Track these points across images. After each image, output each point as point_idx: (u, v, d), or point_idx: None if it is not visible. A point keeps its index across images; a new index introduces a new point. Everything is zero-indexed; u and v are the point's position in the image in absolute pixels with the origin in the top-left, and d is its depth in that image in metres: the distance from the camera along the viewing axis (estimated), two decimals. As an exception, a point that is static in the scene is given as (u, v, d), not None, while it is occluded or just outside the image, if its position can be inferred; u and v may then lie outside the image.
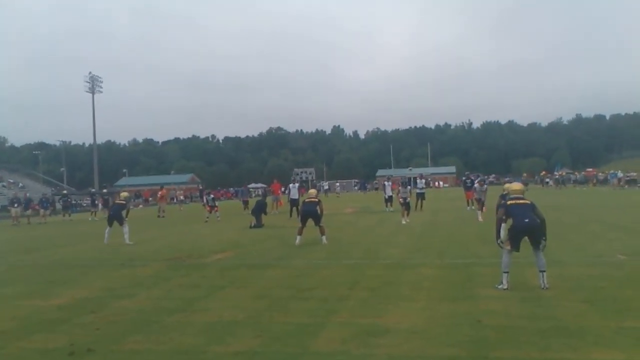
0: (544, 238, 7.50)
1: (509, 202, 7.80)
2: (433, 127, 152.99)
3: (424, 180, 28.93)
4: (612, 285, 7.57)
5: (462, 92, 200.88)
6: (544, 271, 7.43)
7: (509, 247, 7.56)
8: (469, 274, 8.78)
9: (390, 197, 26.67)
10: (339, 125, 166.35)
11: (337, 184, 71.34)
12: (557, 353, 4.77)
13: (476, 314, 6.18)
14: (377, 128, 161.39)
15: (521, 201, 7.77)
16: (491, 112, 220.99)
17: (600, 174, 67.14)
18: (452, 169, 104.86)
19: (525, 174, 77.57)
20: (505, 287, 7.42)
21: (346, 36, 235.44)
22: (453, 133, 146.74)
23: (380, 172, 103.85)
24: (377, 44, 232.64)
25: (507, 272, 7.51)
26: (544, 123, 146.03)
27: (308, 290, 7.96)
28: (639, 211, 20.83)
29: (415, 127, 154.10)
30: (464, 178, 29.84)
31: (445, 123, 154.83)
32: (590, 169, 78.95)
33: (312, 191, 15.27)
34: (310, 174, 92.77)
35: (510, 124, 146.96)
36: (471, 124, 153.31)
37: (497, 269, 7.78)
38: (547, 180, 61.77)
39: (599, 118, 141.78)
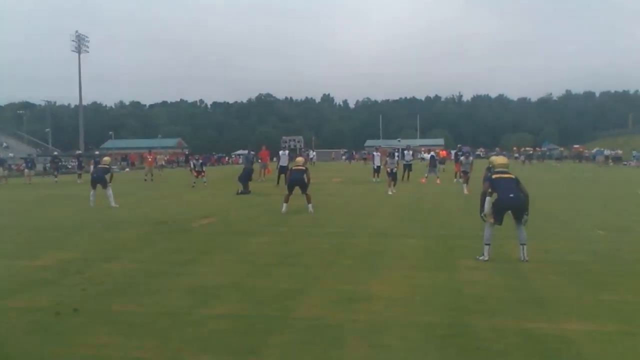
0: (526, 213, 7.61)
1: (493, 176, 7.83)
2: (423, 98, 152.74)
3: (411, 152, 29.03)
4: (590, 259, 7.76)
5: (453, 64, 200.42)
6: (525, 244, 7.58)
7: (492, 220, 7.65)
8: (452, 245, 8.93)
9: (379, 167, 26.79)
10: (329, 94, 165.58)
11: (313, 152, 69.21)
12: (532, 322, 4.91)
13: (457, 284, 6.33)
14: (367, 98, 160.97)
15: (506, 175, 7.82)
16: (482, 85, 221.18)
17: (586, 151, 67.80)
18: (441, 141, 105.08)
19: (497, 149, 77.92)
20: (486, 258, 7.57)
21: (338, 4, 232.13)
22: (443, 105, 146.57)
23: (369, 143, 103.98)
24: (369, 13, 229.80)
25: (489, 245, 7.64)
26: (534, 98, 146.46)
27: (293, 257, 8.07)
28: (621, 189, 21.15)
29: (406, 98, 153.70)
30: (455, 150, 30.06)
31: (436, 95, 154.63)
32: (577, 146, 79.63)
33: (300, 159, 15.28)
34: (298, 142, 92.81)
35: (500, 98, 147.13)
36: (461, 96, 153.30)
37: (480, 241, 7.92)
38: (517, 155, 62.06)
39: (589, 95, 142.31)
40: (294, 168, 14.29)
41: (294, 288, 6.23)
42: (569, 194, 18.97)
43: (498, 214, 7.62)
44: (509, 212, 7.69)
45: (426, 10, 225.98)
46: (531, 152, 64.75)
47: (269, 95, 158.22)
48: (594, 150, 62.51)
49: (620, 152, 57.79)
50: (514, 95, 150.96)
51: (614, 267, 7.21)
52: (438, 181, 24.63)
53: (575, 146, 79.25)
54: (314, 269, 7.21)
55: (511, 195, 7.52)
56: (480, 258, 7.63)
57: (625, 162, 51.72)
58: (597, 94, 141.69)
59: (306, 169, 14.12)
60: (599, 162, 51.59)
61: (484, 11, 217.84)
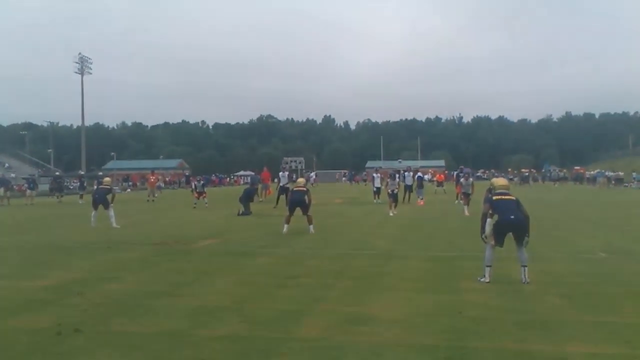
0: (527, 234, 7.62)
1: (494, 198, 7.85)
2: (424, 120, 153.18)
3: (411, 173, 29.09)
4: (591, 281, 7.76)
5: (453, 86, 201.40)
6: (526, 266, 7.56)
7: (492, 242, 7.66)
8: (453, 266, 8.94)
9: (379, 188, 26.87)
10: (329, 115, 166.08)
11: (313, 174, 68.97)
12: (533, 345, 4.91)
13: (457, 305, 6.32)
14: (368, 119, 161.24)
15: (507, 197, 7.84)
16: (482, 107, 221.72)
17: (587, 172, 67.77)
18: (442, 162, 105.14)
19: (492, 170, 77.70)
20: (487, 280, 7.55)
21: (339, 27, 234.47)
22: (443, 127, 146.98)
23: (369, 164, 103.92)
24: (370, 36, 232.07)
25: (490, 266, 7.63)
26: (534, 120, 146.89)
27: (294, 279, 8.07)
28: (622, 210, 21.16)
29: (406, 119, 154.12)
30: (457, 172, 30.14)
31: (436, 116, 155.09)
32: (578, 167, 79.64)
33: (301, 180, 15.38)
34: (300, 163, 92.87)
35: (501, 120, 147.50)
36: (462, 118, 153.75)
37: (481, 262, 7.93)
38: (511, 177, 61.99)
39: (589, 116, 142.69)
40: (295, 189, 14.31)
41: (294, 309, 6.23)
42: (569, 216, 18.96)
43: (499, 235, 7.63)
44: (510, 233, 7.69)
45: (426, 33, 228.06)
46: (527, 173, 64.64)
47: (270, 116, 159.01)
48: (595, 172, 62.47)
49: (621, 173, 57.75)
50: (514, 116, 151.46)
51: (616, 289, 7.21)
52: (421, 202, 24.96)
53: (576, 167, 79.24)
54: (314, 291, 7.21)
55: (512, 217, 7.54)
56: (481, 280, 7.62)
57: (627, 184, 51.69)
58: (597, 116, 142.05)
59: (307, 190, 14.16)
60: (600, 184, 51.51)
61: (483, 33, 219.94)
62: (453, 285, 7.49)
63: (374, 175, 28.99)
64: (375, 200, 26.26)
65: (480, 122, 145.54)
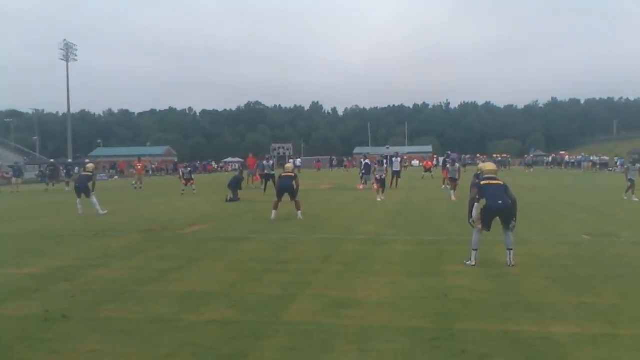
0: (514, 219, 7.72)
1: (482, 182, 7.91)
2: (411, 106, 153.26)
3: (399, 159, 29.20)
4: (574, 263, 7.88)
5: (440, 72, 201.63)
6: (511, 249, 7.69)
7: (480, 226, 7.76)
8: (439, 250, 9.02)
9: (397, 172, 27.00)
10: (317, 102, 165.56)
11: (298, 160, 68.42)
12: (517, 326, 4.99)
13: (443, 288, 6.40)
14: (356, 105, 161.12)
15: (494, 182, 7.88)
16: (469, 93, 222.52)
17: (569, 157, 68.46)
18: (429, 148, 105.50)
19: (478, 155, 78.01)
20: (473, 263, 7.66)
21: (327, 12, 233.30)
22: (431, 113, 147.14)
23: (357, 150, 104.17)
24: (358, 21, 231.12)
25: (476, 250, 7.76)
26: (520, 105, 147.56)
27: (282, 264, 8.10)
28: (606, 194, 21.41)
29: (394, 105, 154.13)
30: (444, 157, 30.46)
31: (424, 102, 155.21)
32: (563, 152, 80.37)
33: (289, 165, 15.39)
34: (288, 149, 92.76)
35: (487, 106, 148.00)
36: (449, 104, 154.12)
37: (467, 246, 8.02)
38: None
39: (574, 102, 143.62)
40: (283, 175, 14.29)
41: (283, 294, 6.27)
42: (554, 200, 19.17)
43: (486, 220, 7.72)
44: (497, 218, 7.78)
45: (414, 19, 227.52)
46: (499, 158, 64.91)
47: (258, 102, 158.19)
48: (580, 157, 63.21)
49: (606, 158, 58.59)
50: (500, 102, 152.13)
51: (599, 271, 7.33)
52: (361, 187, 26.10)
53: (561, 152, 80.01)
54: (303, 275, 7.26)
55: (499, 202, 7.60)
56: (468, 263, 7.73)
57: (611, 169, 52.38)
58: (582, 101, 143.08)
59: (295, 175, 14.16)
60: (585, 169, 52.08)
61: (470, 19, 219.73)
62: (439, 269, 7.57)
63: (362, 160, 29.07)
64: (361, 186, 26.34)
65: (467, 108, 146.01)
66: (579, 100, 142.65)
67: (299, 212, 13.71)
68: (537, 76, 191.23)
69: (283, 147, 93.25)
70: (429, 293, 6.20)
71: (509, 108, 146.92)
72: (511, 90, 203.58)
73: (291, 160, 26.64)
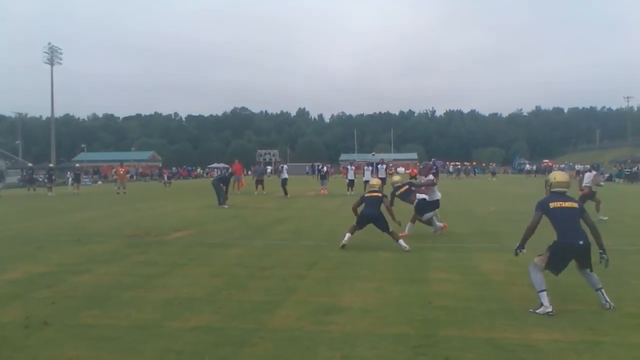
0: (601, 252, 5.82)
1: (551, 204, 5.90)
2: (397, 113, 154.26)
3: (384, 166, 29.36)
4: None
5: (426, 80, 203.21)
6: (601, 288, 5.82)
7: (542, 264, 5.84)
8: (424, 258, 9.05)
9: (352, 180, 27.13)
10: (304, 108, 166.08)
11: (269, 167, 67.53)
12: (501, 333, 5.02)
13: (428, 295, 6.42)
14: (342, 112, 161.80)
15: (568, 203, 5.87)
16: (454, 101, 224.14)
17: (555, 165, 69.31)
18: (414, 155, 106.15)
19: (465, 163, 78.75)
20: (550, 309, 5.49)
21: (314, 18, 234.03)
22: (416, 120, 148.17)
23: (343, 156, 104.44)
24: (345, 28, 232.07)
25: (545, 290, 5.65)
26: (505, 114, 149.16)
27: (267, 270, 8.08)
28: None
29: (380, 112, 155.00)
30: (430, 164, 30.94)
31: (409, 110, 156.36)
32: (547, 160, 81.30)
33: (375, 182, 11.69)
34: (274, 155, 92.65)
35: (472, 114, 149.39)
36: (434, 112, 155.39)
37: (451, 253, 8.03)
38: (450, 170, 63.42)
39: (558, 111, 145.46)
40: (367, 195, 10.76)
41: (268, 300, 6.24)
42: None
43: (556, 261, 5.78)
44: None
45: (400, 27, 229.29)
46: (459, 166, 65.62)
47: (244, 108, 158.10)
48: (563, 165, 64.02)
49: (589, 166, 59.40)
50: (485, 110, 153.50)
51: (580, 279, 7.37)
52: (323, 192, 27.29)
53: (545, 161, 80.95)
54: (288, 282, 7.24)
55: (580, 242, 5.63)
56: (540, 311, 5.53)
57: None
58: (566, 110, 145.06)
59: (384, 196, 10.75)
60: (570, 177, 52.64)
61: (456, 28, 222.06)
62: (424, 276, 7.59)
63: (348, 167, 29.20)
64: (348, 192, 26.39)
65: (453, 116, 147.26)
66: (562, 109, 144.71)
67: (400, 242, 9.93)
68: (521, 85, 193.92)
69: (269, 153, 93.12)
70: (414, 300, 6.21)
71: (494, 116, 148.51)
72: (496, 99, 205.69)
73: (284, 166, 26.48)
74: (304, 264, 8.48)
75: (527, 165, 73.46)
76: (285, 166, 29.70)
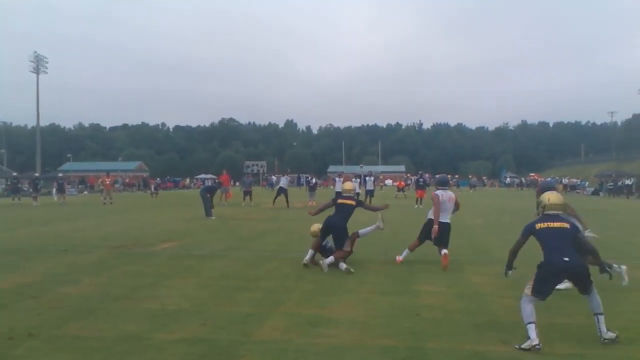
0: (605, 267, 5.57)
1: (537, 225, 5.61)
2: (385, 125, 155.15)
3: (372, 178, 29.48)
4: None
5: (414, 92, 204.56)
6: (601, 313, 5.26)
7: (529, 292, 5.40)
8: (412, 270, 9.07)
9: (340, 192, 27.14)
10: (292, 119, 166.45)
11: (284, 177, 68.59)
12: (488, 346, 5.05)
13: (416, 307, 6.44)
14: (330, 124, 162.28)
15: (557, 223, 5.51)
16: (441, 114, 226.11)
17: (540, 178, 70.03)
18: (402, 167, 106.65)
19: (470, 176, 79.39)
20: (536, 342, 4.95)
21: (302, 30, 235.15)
22: (404, 132, 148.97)
23: (331, 168, 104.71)
24: (332, 41, 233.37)
25: (533, 323, 5.14)
26: (491, 127, 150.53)
27: (254, 281, 8.05)
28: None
29: (368, 125, 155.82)
30: (417, 177, 31.33)
31: (397, 122, 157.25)
32: (533, 174, 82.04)
33: (348, 185, 10.75)
34: (261, 167, 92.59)
35: (459, 127, 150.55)
36: (422, 124, 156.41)
37: (436, 266, 8.04)
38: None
39: (543, 125, 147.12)
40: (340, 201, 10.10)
41: (255, 312, 6.22)
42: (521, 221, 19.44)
43: (543, 282, 5.34)
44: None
45: (389, 39, 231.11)
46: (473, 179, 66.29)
47: (232, 119, 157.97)
48: (549, 179, 64.75)
49: (576, 180, 60.28)
50: (472, 124, 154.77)
51: (568, 291, 7.45)
52: (311, 203, 27.33)
53: (532, 174, 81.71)
54: (275, 293, 7.22)
55: (565, 258, 5.19)
56: (526, 346, 4.97)
57: (579, 190, 53.71)
58: (551, 124, 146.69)
59: (358, 202, 10.63)
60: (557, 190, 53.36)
61: (444, 43, 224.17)
62: (411, 288, 7.62)
63: (336, 179, 29.26)
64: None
65: (440, 129, 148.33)
66: (547, 124, 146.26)
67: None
68: (507, 99, 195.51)
69: (257, 165, 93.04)
70: (401, 312, 6.23)
71: (480, 129, 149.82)
72: (482, 113, 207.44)
73: (274, 177, 26.34)
74: (292, 276, 8.47)
75: (508, 179, 74.73)
76: (284, 177, 29.78)
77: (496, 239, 12.41)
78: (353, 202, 9.89)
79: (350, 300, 6.85)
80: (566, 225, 5.49)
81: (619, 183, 46.42)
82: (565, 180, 60.34)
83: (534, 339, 4.99)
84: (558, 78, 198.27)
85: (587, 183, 56.98)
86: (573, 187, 56.41)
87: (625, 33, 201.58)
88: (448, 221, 9.43)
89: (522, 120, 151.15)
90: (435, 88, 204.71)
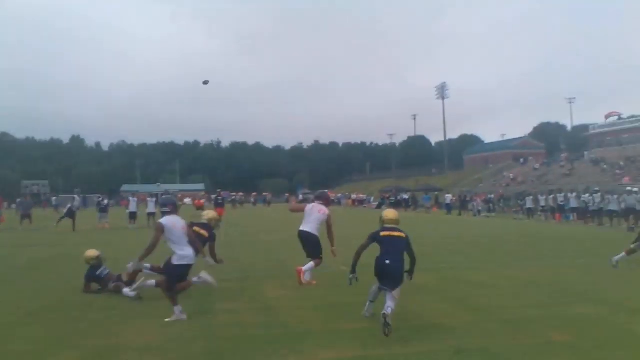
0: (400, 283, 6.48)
1: (382, 233, 6.74)
2: (182, 143, 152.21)
3: (136, 199, 28.75)
4: (334, 292, 8.52)
5: (212, 110, 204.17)
6: (386, 314, 5.97)
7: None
8: (208, 288, 8.93)
9: (134, 213, 25.83)
10: (78, 135, 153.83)
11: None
12: (282, 357, 5.21)
13: (212, 327, 6.38)
14: (123, 141, 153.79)
15: (396, 233, 6.72)
16: (240, 133, 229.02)
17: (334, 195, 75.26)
18: (201, 186, 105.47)
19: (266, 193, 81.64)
20: (367, 315, 6.76)
21: (94, 42, 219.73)
22: (202, 151, 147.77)
23: (125, 187, 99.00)
24: (129, 53, 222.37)
25: (372, 301, 6.82)
26: (287, 147, 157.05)
27: (34, 314, 7.22)
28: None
29: (164, 142, 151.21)
30: (215, 195, 31.50)
31: (195, 140, 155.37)
32: (327, 190, 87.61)
33: (208, 214, 10.25)
34: (44, 187, 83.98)
35: (257, 146, 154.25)
36: (220, 142, 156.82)
37: (238, 283, 8.06)
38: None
39: (334, 145, 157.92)
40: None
41: (33, 349, 5.57)
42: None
43: (377, 275, 6.55)
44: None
45: (186, 55, 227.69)
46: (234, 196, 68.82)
47: (5, 134, 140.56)
48: (340, 195, 69.97)
49: (362, 195, 66.02)
50: (269, 143, 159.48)
51: (353, 298, 8.01)
52: (107, 226, 25.83)
53: (325, 190, 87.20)
54: (60, 326, 6.55)
55: (387, 261, 6.39)
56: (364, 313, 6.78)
57: (365, 205, 58.83)
58: (340, 144, 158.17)
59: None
60: (344, 205, 57.65)
61: (241, 60, 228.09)
62: (209, 307, 7.53)
63: (130, 198, 27.76)
64: (130, 226, 25.07)
65: (238, 147, 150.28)
66: (337, 144, 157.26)
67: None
68: (301, 120, 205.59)
69: (37, 185, 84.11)
70: (198, 333, 6.11)
71: (277, 149, 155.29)
72: (279, 132, 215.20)
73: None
74: (78, 305, 7.77)
75: (301, 196, 79.27)
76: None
77: (294, 253, 12.86)
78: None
79: (143, 325, 6.52)
80: (403, 235, 6.72)
81: (398, 197, 51.89)
82: (354, 196, 65.81)
83: (367, 309, 6.73)
84: (346, 102, 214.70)
85: (372, 198, 62.89)
86: (361, 202, 61.51)
87: (399, 64, 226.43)
88: (309, 230, 9.64)
89: (315, 140, 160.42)
90: (233, 107, 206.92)
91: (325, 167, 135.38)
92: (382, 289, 6.44)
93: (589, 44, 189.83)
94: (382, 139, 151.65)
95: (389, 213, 7.13)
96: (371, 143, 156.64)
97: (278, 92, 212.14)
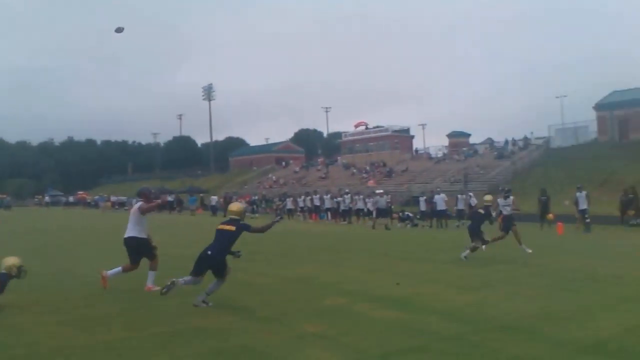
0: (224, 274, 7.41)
1: (219, 226, 7.48)
2: None
3: None
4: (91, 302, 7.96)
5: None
6: (206, 300, 7.31)
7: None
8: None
9: None
10: None
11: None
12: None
13: None
14: None
15: (227, 226, 7.37)
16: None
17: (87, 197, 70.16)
18: None
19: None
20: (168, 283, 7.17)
21: None
22: None
23: None
24: None
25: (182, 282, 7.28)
26: (35, 143, 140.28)
27: None
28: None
29: None
30: None
31: None
32: (82, 192, 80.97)
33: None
34: None
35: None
36: None
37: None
38: None
39: (91, 143, 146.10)
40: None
41: None
42: (72, 241, 18.99)
43: (197, 263, 7.23)
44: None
45: None
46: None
47: None
48: (97, 197, 65.08)
49: (124, 198, 62.37)
50: (11, 138, 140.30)
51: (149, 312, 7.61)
52: None
53: (80, 192, 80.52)
54: None
55: (209, 252, 7.18)
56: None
57: (127, 207, 55.98)
58: (99, 142, 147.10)
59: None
60: (103, 208, 53.91)
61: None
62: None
63: None
64: None
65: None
66: (95, 142, 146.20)
67: None
68: (52, 115, 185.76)
69: None
70: None
71: (22, 145, 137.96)
72: (26, 127, 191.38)
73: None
74: None
75: (47, 198, 73.38)
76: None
77: (84, 259, 11.63)
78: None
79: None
80: (232, 228, 7.21)
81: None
82: (114, 198, 62.03)
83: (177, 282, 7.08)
84: (105, 96, 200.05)
85: (134, 200, 59.86)
86: (122, 204, 58.28)
87: (168, 64, 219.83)
88: (135, 235, 8.64)
89: (68, 137, 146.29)
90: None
91: (81, 167, 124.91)
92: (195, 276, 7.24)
93: (341, 66, 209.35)
94: (145, 138, 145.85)
95: (233, 205, 7.83)
96: (134, 142, 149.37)
97: (21, 81, 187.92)
